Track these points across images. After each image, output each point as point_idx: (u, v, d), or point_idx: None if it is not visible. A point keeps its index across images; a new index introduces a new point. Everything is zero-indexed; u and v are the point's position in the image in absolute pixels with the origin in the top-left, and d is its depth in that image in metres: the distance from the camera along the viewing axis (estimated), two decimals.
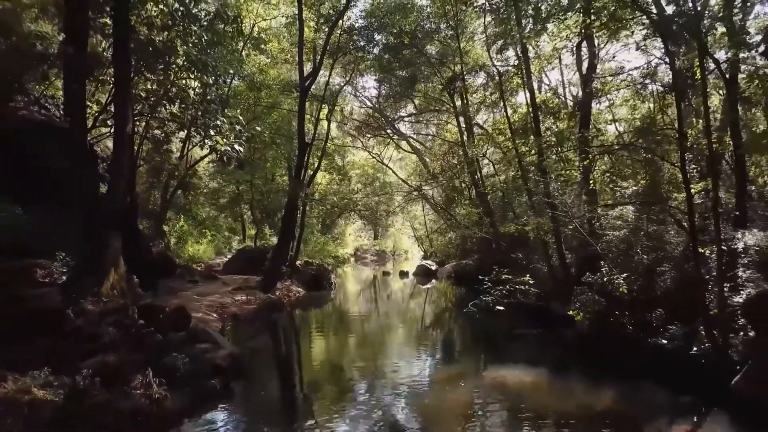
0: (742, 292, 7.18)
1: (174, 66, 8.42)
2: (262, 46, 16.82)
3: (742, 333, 6.75)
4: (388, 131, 26.39)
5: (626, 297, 8.32)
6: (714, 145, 7.88)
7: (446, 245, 26.80)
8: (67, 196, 8.57)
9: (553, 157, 12.66)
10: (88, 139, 9.86)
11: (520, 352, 8.82)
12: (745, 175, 9.96)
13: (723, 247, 7.79)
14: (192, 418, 5.79)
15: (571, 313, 8.66)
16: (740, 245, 8.24)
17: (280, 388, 7.80)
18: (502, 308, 9.93)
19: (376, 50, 19.05)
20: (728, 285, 7.63)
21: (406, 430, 5.85)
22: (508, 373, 7.45)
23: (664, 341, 7.40)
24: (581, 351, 8.48)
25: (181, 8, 8.02)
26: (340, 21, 16.35)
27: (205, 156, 19.34)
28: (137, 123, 10.54)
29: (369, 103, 26.18)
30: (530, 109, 13.83)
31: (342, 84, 21.26)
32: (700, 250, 7.76)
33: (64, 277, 6.74)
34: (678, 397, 6.29)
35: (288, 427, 5.99)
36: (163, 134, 11.98)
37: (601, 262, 8.77)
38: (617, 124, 17.18)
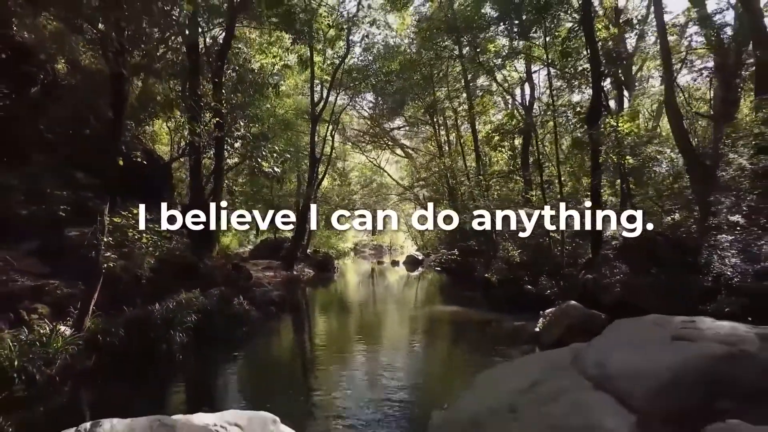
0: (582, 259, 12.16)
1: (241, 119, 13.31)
2: (281, 81, 21.69)
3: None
4: (384, 139, 31.35)
5: (523, 264, 13.26)
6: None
7: (433, 239, 31.60)
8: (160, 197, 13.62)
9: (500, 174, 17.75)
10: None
11: (457, 300, 13.78)
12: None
13: (590, 235, 12.82)
14: (264, 324, 10.76)
15: (487, 275, 13.61)
16: (607, 233, 13.33)
17: (309, 316, 12.95)
18: (439, 268, 14.99)
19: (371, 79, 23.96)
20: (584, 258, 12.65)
21: (389, 324, 10.89)
22: (445, 308, 12.56)
23: (533, 288, 12.31)
24: (491, 296, 13.39)
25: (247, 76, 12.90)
26: (342, 64, 21.24)
27: (236, 165, 24.24)
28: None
29: (366, 114, 31.19)
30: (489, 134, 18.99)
31: (344, 104, 26.18)
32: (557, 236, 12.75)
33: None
34: (535, 314, 11.13)
35: (314, 332, 11.04)
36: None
37: (507, 243, 13.71)
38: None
